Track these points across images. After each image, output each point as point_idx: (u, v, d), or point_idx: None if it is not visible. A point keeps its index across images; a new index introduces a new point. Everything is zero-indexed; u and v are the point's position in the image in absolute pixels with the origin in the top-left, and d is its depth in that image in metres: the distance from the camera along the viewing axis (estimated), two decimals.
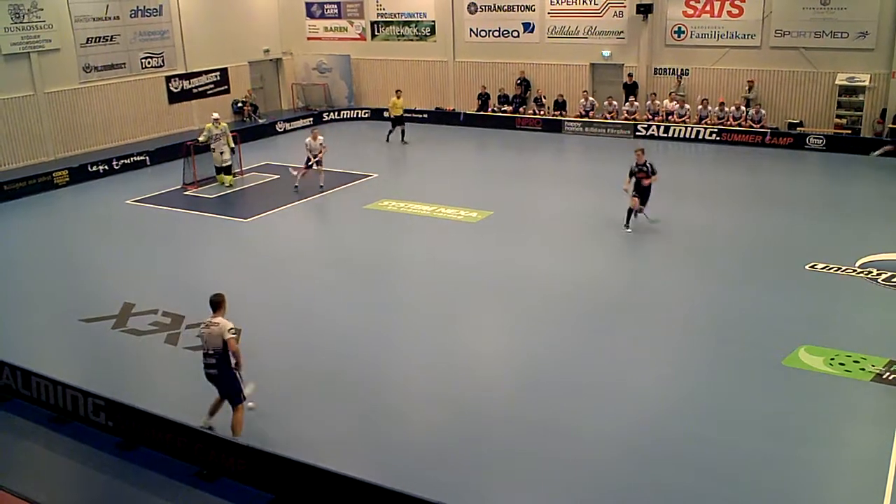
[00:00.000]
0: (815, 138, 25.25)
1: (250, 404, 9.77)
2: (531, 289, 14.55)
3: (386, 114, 29.01)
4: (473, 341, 12.86)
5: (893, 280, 14.31)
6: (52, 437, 10.17)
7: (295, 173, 21.96)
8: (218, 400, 9.77)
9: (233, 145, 22.68)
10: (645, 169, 17.34)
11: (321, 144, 21.84)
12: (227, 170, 22.68)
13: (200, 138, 22.46)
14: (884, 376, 10.94)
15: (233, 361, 9.44)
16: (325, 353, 12.21)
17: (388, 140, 27.87)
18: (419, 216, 19.19)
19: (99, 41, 27.22)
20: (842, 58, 25.55)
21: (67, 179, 23.19)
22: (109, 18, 27.42)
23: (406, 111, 31.22)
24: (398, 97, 27.77)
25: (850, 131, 25.66)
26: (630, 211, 17.53)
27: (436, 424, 10.27)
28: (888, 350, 11.64)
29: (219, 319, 9.42)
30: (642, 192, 17.44)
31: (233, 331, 9.39)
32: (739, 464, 9.18)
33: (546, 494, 8.68)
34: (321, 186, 21.57)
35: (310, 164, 21.71)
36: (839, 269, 14.88)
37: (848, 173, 22.96)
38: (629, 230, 17.46)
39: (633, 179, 17.43)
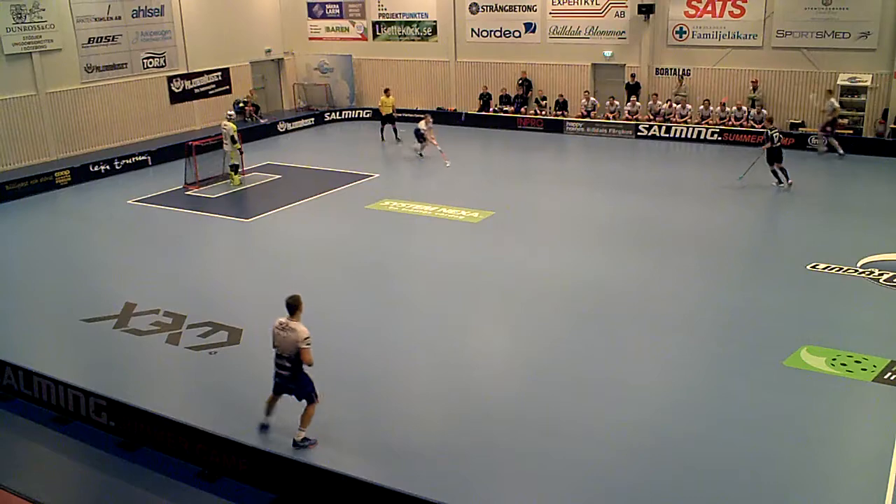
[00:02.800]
0: (816, 138, 25.23)
1: None
2: (533, 289, 14.55)
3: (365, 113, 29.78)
4: (474, 341, 12.87)
5: (895, 280, 14.30)
6: (53, 436, 10.18)
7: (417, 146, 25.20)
8: (273, 398, 9.76)
9: (238, 146, 22.75)
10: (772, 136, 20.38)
11: (428, 127, 24.81)
12: (235, 168, 22.81)
13: (230, 141, 22.32)
14: (885, 377, 10.93)
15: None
16: (327, 353, 12.13)
17: (382, 139, 28.06)
18: (420, 216, 19.20)
19: (101, 41, 27.23)
20: (843, 58, 25.53)
21: (69, 179, 23.21)
22: (111, 18, 27.43)
23: (408, 111, 31.32)
24: (387, 95, 27.93)
25: (851, 131, 25.63)
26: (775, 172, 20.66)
27: (437, 424, 10.28)
28: (890, 350, 11.63)
29: (295, 325, 9.27)
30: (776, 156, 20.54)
31: (308, 340, 9.21)
32: (740, 463, 9.17)
33: (548, 494, 8.68)
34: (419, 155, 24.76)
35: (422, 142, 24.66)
36: (841, 269, 14.87)
37: (849, 174, 22.94)
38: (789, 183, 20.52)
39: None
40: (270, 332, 9.48)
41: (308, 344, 9.20)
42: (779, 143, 20.59)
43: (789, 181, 20.63)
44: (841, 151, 24.10)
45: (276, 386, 9.65)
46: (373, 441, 9.89)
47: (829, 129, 24.40)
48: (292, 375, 9.39)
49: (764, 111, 26.29)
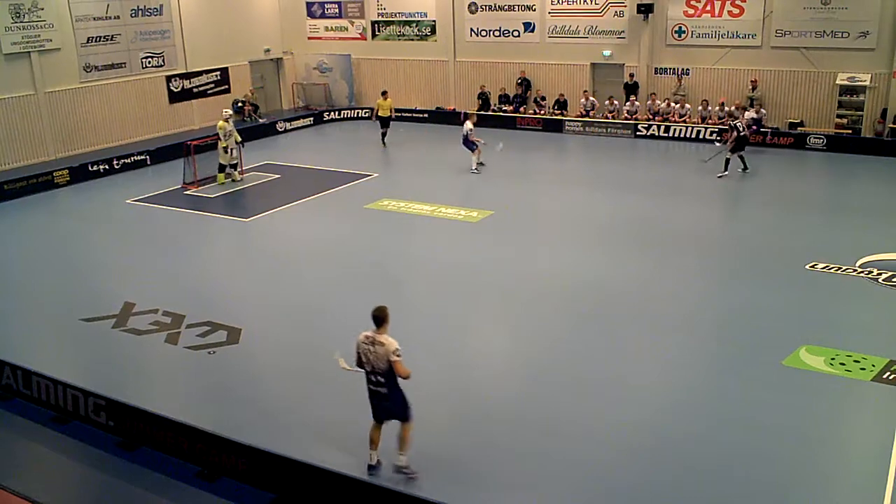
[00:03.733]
0: (815, 138, 25.25)
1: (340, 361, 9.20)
2: (532, 288, 14.55)
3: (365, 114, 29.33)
4: (474, 341, 12.87)
5: (894, 280, 14.30)
6: (52, 436, 10.17)
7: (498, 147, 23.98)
8: (375, 427, 9.08)
9: (240, 139, 22.98)
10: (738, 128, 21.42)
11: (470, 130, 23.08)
12: (235, 167, 22.90)
13: (223, 142, 22.37)
14: (884, 376, 10.93)
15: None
16: (326, 353, 12.14)
17: (384, 144, 27.39)
18: (420, 216, 19.19)
19: (99, 41, 27.22)
20: (842, 58, 25.55)
21: (68, 179, 23.20)
22: (110, 18, 27.42)
23: (407, 111, 31.32)
24: (384, 98, 27.33)
25: (850, 131, 25.66)
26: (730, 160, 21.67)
27: (437, 424, 10.26)
28: (888, 350, 11.63)
29: (384, 338, 8.62)
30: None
31: (398, 352, 8.57)
32: (740, 463, 9.18)
33: (548, 494, 8.68)
34: (479, 166, 23.24)
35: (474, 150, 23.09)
36: (840, 268, 14.88)
37: (848, 173, 22.96)
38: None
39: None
40: (355, 350, 8.78)
41: (399, 356, 8.55)
42: (744, 133, 21.65)
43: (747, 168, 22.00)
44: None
45: (375, 411, 8.98)
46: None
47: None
48: (389, 392, 8.73)
49: (763, 111, 26.32)
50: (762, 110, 26.28)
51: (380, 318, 8.72)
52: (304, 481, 8.61)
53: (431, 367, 11.76)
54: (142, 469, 9.38)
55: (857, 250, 15.66)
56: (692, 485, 8.84)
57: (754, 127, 24.45)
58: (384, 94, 27.70)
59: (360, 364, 8.79)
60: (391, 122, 27.70)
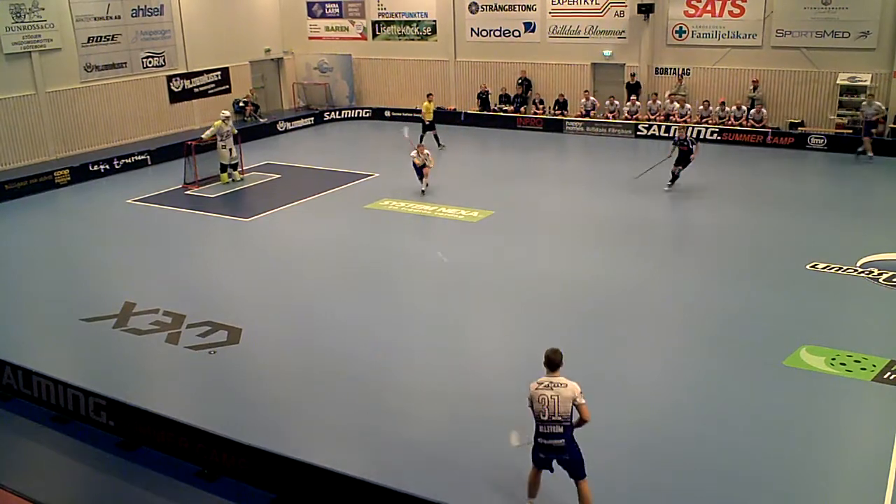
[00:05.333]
0: (816, 138, 25.24)
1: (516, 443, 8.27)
2: (532, 288, 14.54)
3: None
4: (474, 341, 12.86)
5: (894, 280, 14.29)
6: (53, 436, 10.18)
7: (406, 136, 22.61)
8: (535, 473, 8.28)
9: (236, 131, 23.12)
10: (686, 143, 20.53)
11: (426, 159, 20.93)
12: (235, 166, 22.98)
13: (205, 135, 22.52)
14: (885, 376, 10.93)
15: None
16: (327, 353, 12.22)
17: (440, 146, 26.30)
18: (420, 216, 19.20)
19: (100, 41, 27.23)
20: (843, 58, 25.53)
21: (68, 179, 23.21)
22: (111, 18, 27.43)
23: (408, 111, 31.29)
24: (429, 101, 26.54)
25: (850, 131, 25.62)
26: (674, 175, 20.71)
27: (437, 424, 10.28)
28: (889, 350, 11.63)
29: (565, 380, 7.88)
30: (685, 160, 20.61)
31: (583, 394, 7.89)
32: (740, 463, 9.18)
33: (548, 493, 8.68)
34: (423, 192, 21.01)
35: (420, 176, 21.08)
36: (840, 268, 14.87)
37: (849, 173, 22.93)
38: (669, 189, 20.61)
39: (678, 150, 20.61)
40: (529, 398, 7.98)
41: (584, 398, 7.87)
42: (691, 148, 20.60)
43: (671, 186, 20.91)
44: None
45: (541, 461, 8.14)
46: (372, 440, 9.88)
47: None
48: (566, 444, 7.89)
49: (764, 111, 26.32)
50: (763, 110, 26.23)
51: (555, 362, 7.96)
52: (304, 481, 8.60)
53: (432, 367, 11.79)
54: (142, 469, 9.39)
55: (858, 250, 15.65)
56: (692, 485, 8.84)
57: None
58: (429, 96, 26.98)
59: (537, 413, 7.93)
60: (435, 125, 26.69)
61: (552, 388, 7.83)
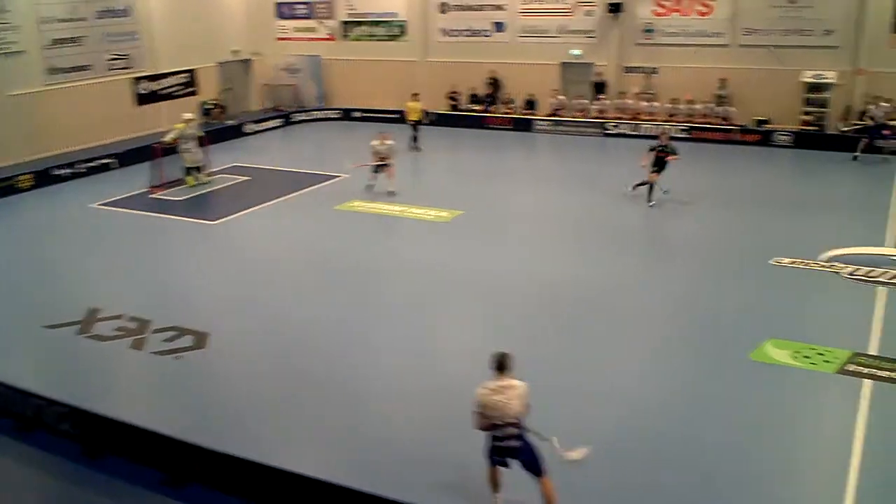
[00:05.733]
0: (782, 135, 25.54)
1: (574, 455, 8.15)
2: (503, 288, 14.55)
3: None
4: (447, 341, 12.82)
5: (857, 274, 14.50)
6: (15, 446, 9.97)
7: (351, 166, 21.98)
8: (493, 470, 8.25)
9: (202, 134, 22.90)
10: (667, 149, 19.09)
11: (389, 149, 20.87)
12: (199, 169, 22.73)
13: (168, 138, 22.31)
14: (848, 368, 11.07)
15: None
16: (296, 356, 12.12)
17: (416, 147, 26.26)
18: (390, 216, 19.14)
19: (65, 43, 26.81)
20: (808, 55, 25.87)
21: (32, 183, 22.81)
22: (75, 20, 27.03)
23: (378, 111, 31.21)
24: (415, 100, 26.35)
25: (816, 128, 25.97)
26: (650, 186, 19.20)
27: (411, 425, 10.22)
28: (852, 342, 11.79)
29: (513, 381, 7.87)
30: (661, 167, 19.15)
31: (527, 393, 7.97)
32: (708, 457, 9.25)
33: (526, 494, 8.68)
34: (370, 186, 21.03)
35: (376, 167, 20.98)
36: (804, 263, 15.05)
37: (814, 169, 23.24)
38: (652, 203, 19.08)
39: (653, 155, 19.16)
40: (479, 403, 7.90)
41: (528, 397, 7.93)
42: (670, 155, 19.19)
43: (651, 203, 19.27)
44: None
45: (497, 461, 8.17)
46: (345, 443, 9.81)
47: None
48: (522, 444, 7.94)
49: (731, 108, 26.58)
50: (730, 108, 26.52)
51: (503, 364, 7.95)
52: (273, 486, 8.52)
53: (405, 367, 11.74)
54: (107, 477, 9.23)
55: (822, 245, 15.85)
56: (661, 479, 8.88)
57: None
58: (415, 95, 26.76)
59: (487, 426, 7.89)
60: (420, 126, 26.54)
61: (503, 392, 7.81)
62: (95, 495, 9.03)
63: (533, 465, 8.03)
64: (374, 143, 21.08)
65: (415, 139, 26.34)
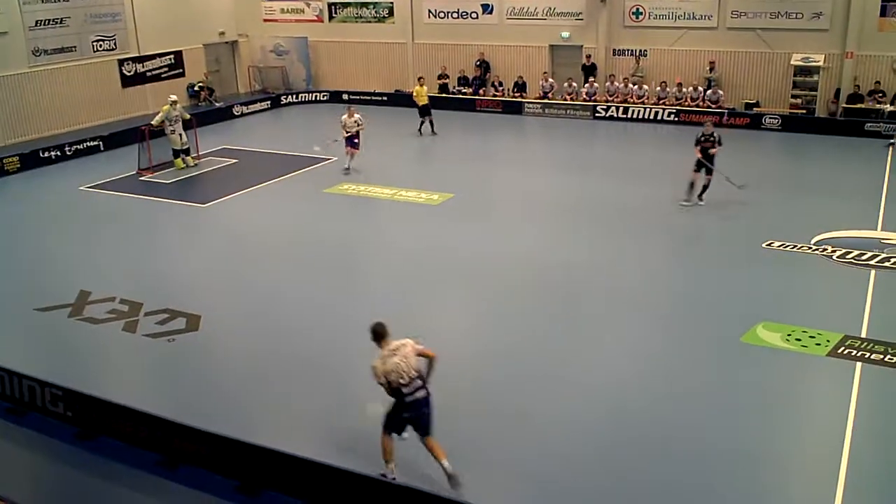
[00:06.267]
0: (771, 118, 25.61)
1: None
2: (494, 271, 14.56)
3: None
4: (436, 325, 12.80)
5: (848, 257, 14.59)
6: (9, 428, 9.94)
7: (317, 149, 22.12)
8: (387, 439, 8.49)
9: (188, 116, 22.66)
10: (712, 139, 17.53)
11: (357, 122, 21.17)
12: (187, 151, 22.53)
13: (154, 121, 22.12)
14: (839, 351, 11.16)
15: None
16: (287, 338, 12.11)
17: (420, 132, 26.04)
18: (380, 199, 19.09)
19: (48, 24, 26.50)
20: (797, 38, 25.90)
21: (18, 166, 22.61)
22: (59, 0, 26.69)
23: (366, 94, 31.05)
24: (420, 84, 25.97)
25: (805, 111, 26.06)
26: (689, 185, 17.70)
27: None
28: (843, 325, 11.87)
29: (398, 342, 8.29)
30: (708, 161, 17.55)
31: (419, 340, 8.41)
32: (700, 440, 9.31)
33: (513, 479, 8.73)
34: (346, 169, 21.16)
35: (344, 141, 21.16)
36: (795, 246, 15.14)
37: (803, 153, 23.33)
38: (688, 203, 17.61)
39: (700, 148, 17.62)
40: (380, 375, 8.22)
41: (421, 342, 8.40)
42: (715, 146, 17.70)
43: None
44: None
45: (399, 423, 8.44)
46: (335, 425, 9.82)
47: None
48: (427, 395, 8.37)
49: (720, 91, 26.61)
50: (719, 91, 26.59)
51: (381, 333, 8.34)
52: (267, 467, 8.53)
53: None
54: (102, 459, 9.22)
55: (813, 228, 15.94)
56: (654, 464, 8.94)
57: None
58: (420, 80, 26.49)
59: (393, 389, 8.24)
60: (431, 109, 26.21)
61: (396, 354, 8.21)
62: (89, 477, 9.03)
63: (428, 419, 8.41)
64: (343, 117, 21.34)
65: (430, 123, 26.00)
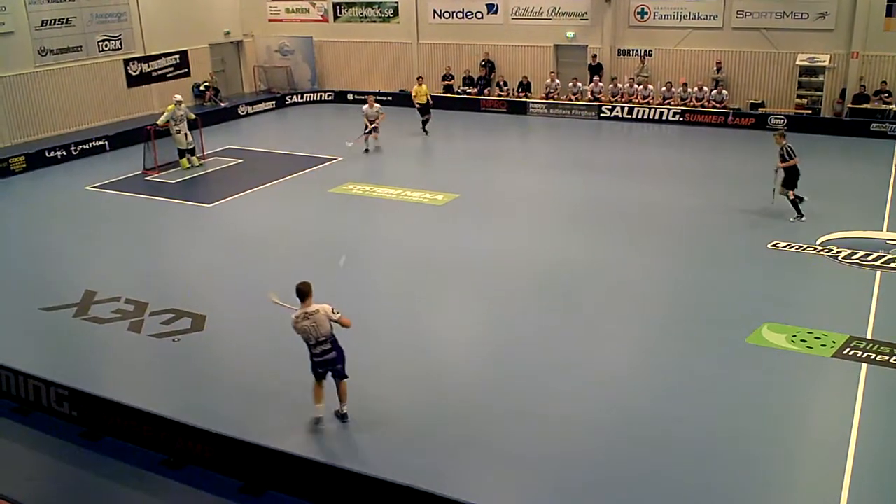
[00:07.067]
0: (776, 118, 25.55)
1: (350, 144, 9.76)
2: (498, 271, 14.56)
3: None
4: (441, 324, 12.85)
5: (853, 258, 14.55)
6: (14, 428, 9.97)
7: (350, 144, 23.25)
8: (317, 385, 9.71)
9: (193, 116, 22.62)
10: (781, 153, 16.69)
11: (378, 111, 23.27)
12: (193, 151, 22.56)
13: (159, 121, 22.16)
14: (844, 352, 11.13)
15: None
16: (291, 338, 12.03)
17: (424, 132, 26.14)
18: (385, 199, 19.10)
19: (54, 24, 26.56)
20: (802, 38, 25.84)
21: (24, 166, 22.68)
22: (64, 0, 26.76)
23: (369, 94, 31.03)
24: (420, 84, 26.01)
25: (810, 111, 26.00)
26: (791, 201, 16.67)
27: (404, 408, 10.25)
28: (848, 326, 11.84)
29: (316, 306, 9.29)
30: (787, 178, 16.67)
31: (336, 310, 9.36)
32: (705, 441, 9.30)
33: (515, 477, 8.73)
34: (366, 150, 23.29)
35: (368, 130, 23.17)
36: (801, 247, 15.10)
37: (808, 153, 23.19)
38: (803, 219, 16.54)
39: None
40: (295, 329, 9.40)
41: (338, 313, 9.36)
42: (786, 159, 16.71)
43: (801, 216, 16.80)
44: None
45: (320, 375, 9.68)
46: (338, 426, 9.82)
47: None
48: (337, 354, 9.51)
49: (725, 92, 26.57)
50: (724, 91, 26.55)
51: (304, 292, 9.31)
52: (270, 468, 8.54)
53: (398, 351, 11.75)
54: (106, 458, 9.25)
55: (818, 229, 15.92)
56: (658, 463, 8.94)
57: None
58: (419, 79, 26.54)
59: (307, 340, 9.40)
60: (431, 109, 26.33)
61: (308, 318, 9.23)
62: (94, 476, 9.05)
63: (342, 371, 9.62)
64: (364, 107, 23.37)
65: (424, 122, 26.15)
